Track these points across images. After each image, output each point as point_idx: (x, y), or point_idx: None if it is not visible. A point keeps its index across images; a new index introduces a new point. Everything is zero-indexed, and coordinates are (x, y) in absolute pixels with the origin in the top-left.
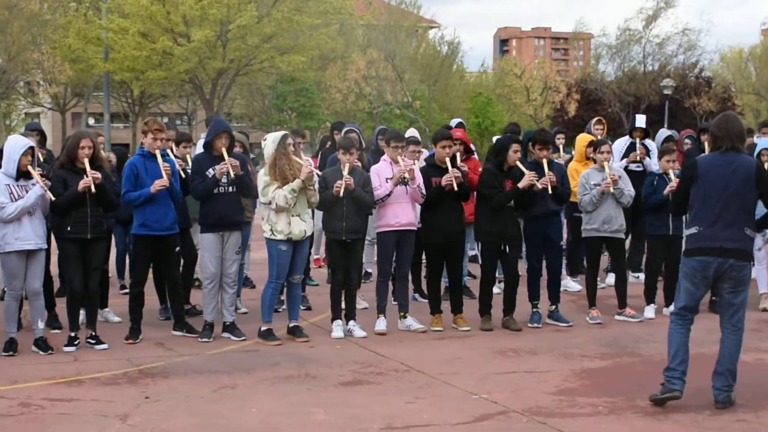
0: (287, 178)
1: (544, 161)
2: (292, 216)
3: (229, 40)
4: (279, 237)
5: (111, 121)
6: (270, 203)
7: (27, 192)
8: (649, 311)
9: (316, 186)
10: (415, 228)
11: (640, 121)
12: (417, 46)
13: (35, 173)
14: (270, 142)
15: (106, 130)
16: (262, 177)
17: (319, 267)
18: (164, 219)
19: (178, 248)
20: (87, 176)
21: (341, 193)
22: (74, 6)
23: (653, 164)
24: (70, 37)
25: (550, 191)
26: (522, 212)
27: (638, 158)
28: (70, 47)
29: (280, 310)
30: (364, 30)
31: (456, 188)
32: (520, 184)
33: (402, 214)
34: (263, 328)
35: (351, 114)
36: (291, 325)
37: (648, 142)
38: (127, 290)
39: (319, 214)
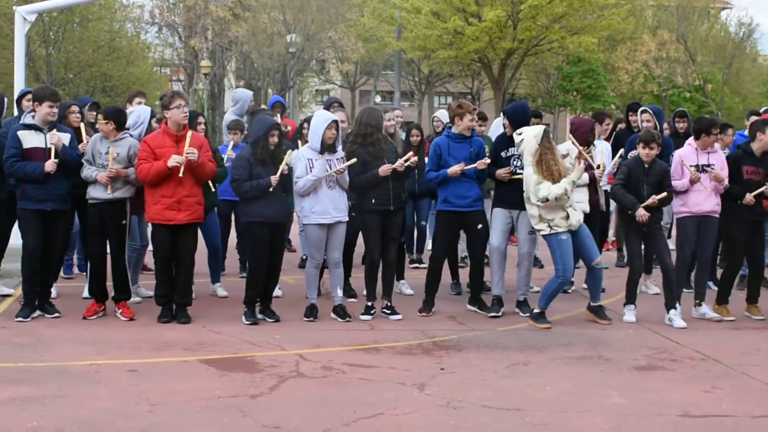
0: (553, 173)
1: None
2: (568, 207)
3: (520, 20)
4: (559, 230)
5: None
6: (546, 200)
7: (330, 167)
8: None
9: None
10: (717, 214)
11: None
12: (709, 27)
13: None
14: (531, 137)
15: (396, 106)
16: (531, 175)
17: (608, 250)
18: (468, 195)
19: (480, 225)
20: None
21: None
22: None
23: None
24: (364, 16)
25: None
26: None
27: None
28: (364, 26)
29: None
30: (654, 10)
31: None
32: None
33: (704, 201)
34: (536, 311)
35: (638, 96)
36: (592, 304)
37: None
38: (416, 264)
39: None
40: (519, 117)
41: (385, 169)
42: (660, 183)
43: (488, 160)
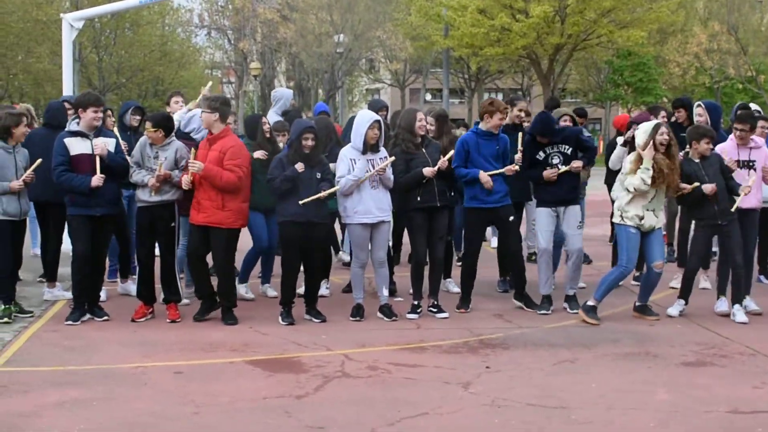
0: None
1: None
2: (647, 210)
3: (567, 15)
4: (629, 223)
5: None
6: (633, 190)
7: (373, 166)
8: None
9: None
10: (757, 208)
11: None
12: (760, 17)
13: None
14: (642, 132)
15: (444, 105)
16: (626, 164)
17: None
18: (496, 191)
19: (512, 218)
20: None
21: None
22: None
23: None
24: (411, 15)
25: None
26: None
27: None
28: (411, 24)
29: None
30: (705, 2)
31: None
32: None
33: (744, 197)
34: (589, 303)
35: (690, 89)
36: (639, 304)
37: None
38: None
39: None
40: (540, 128)
41: (429, 171)
42: (721, 172)
43: (517, 167)
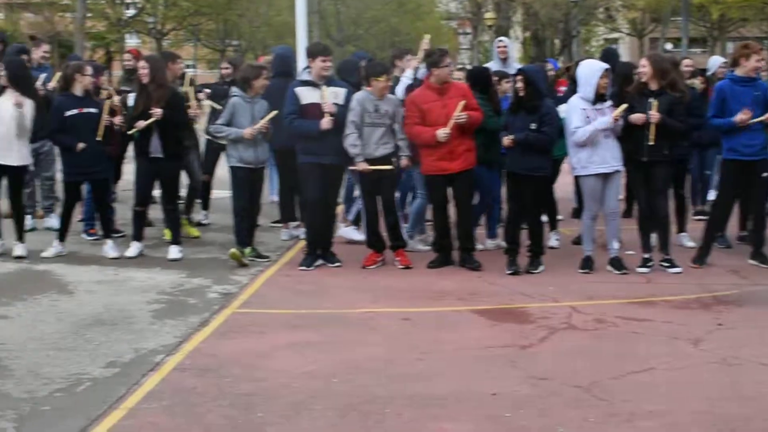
0: None
1: None
2: None
3: None
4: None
5: (688, 45)
6: None
7: (604, 116)
8: None
9: None
10: None
11: None
12: None
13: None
14: None
15: (684, 55)
16: None
17: None
18: (753, 143)
19: (765, 174)
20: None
21: None
22: None
23: None
24: None
25: None
26: None
27: None
28: None
29: None
30: None
31: None
32: None
33: None
34: None
35: None
36: None
37: None
38: (700, 216)
39: None
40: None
41: (635, 118)
42: None
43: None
